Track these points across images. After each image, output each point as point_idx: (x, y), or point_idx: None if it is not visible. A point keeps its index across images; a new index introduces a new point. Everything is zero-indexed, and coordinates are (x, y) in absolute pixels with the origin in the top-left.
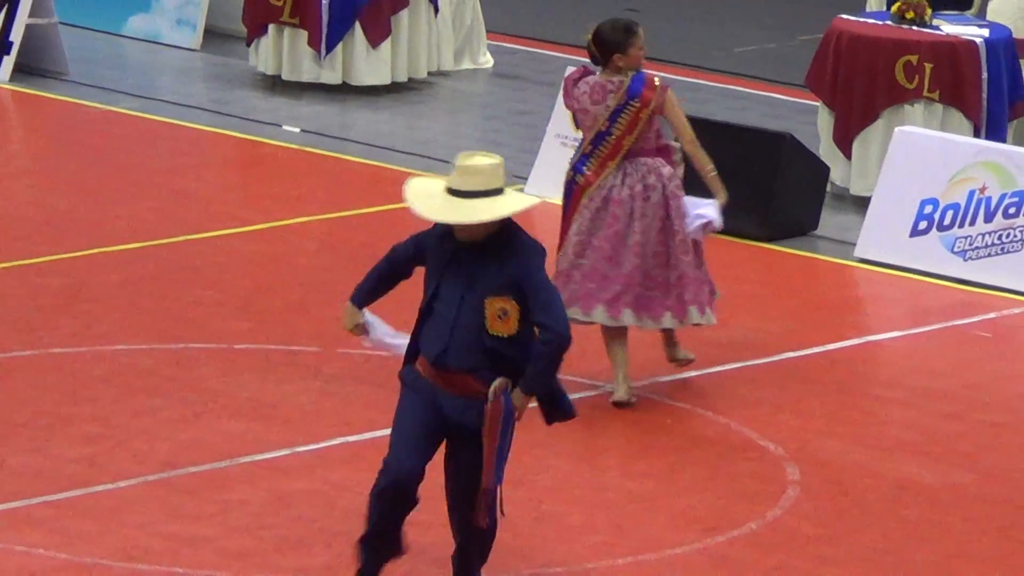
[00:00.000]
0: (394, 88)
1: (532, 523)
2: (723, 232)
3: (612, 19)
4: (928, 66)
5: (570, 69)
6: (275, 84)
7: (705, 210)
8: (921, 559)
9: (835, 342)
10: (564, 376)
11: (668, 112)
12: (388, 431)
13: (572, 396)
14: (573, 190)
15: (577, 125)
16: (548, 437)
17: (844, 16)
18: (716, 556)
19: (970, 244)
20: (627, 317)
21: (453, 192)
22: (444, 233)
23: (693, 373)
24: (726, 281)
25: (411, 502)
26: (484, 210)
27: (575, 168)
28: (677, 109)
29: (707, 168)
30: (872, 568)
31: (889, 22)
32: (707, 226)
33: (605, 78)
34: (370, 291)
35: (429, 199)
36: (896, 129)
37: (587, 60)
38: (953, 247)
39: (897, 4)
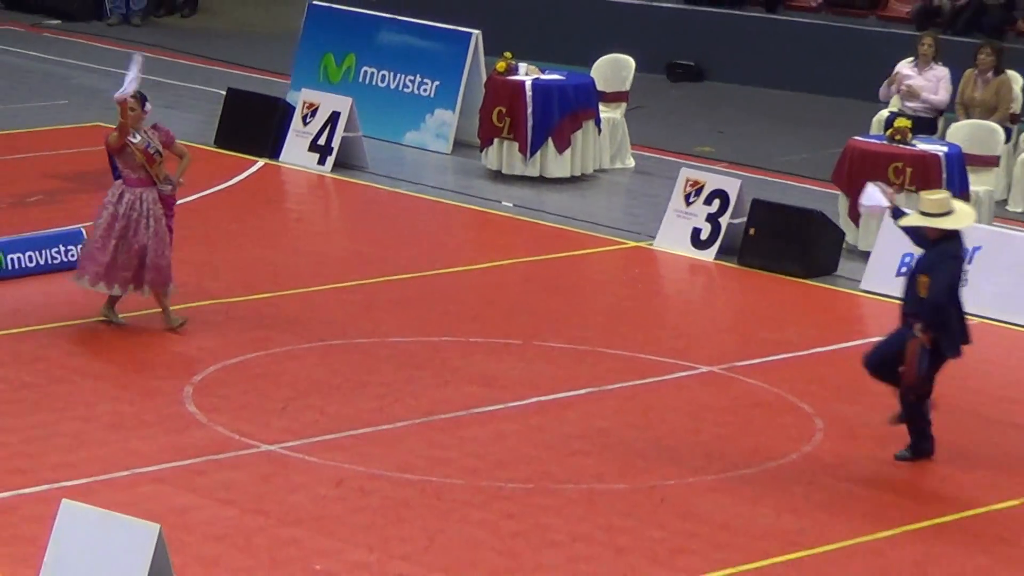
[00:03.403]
0: (572, 179)
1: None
2: (778, 271)
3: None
4: (909, 170)
5: (684, 170)
6: (497, 176)
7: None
8: (905, 474)
9: (847, 341)
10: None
11: None
12: (546, 397)
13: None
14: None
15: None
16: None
17: (856, 137)
18: (771, 476)
19: None
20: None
21: (934, 215)
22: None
23: (756, 360)
24: (779, 302)
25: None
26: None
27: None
28: None
29: None
30: (866, 478)
31: (884, 141)
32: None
33: None
34: None
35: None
36: None
37: (699, 165)
38: None
39: (890, 131)
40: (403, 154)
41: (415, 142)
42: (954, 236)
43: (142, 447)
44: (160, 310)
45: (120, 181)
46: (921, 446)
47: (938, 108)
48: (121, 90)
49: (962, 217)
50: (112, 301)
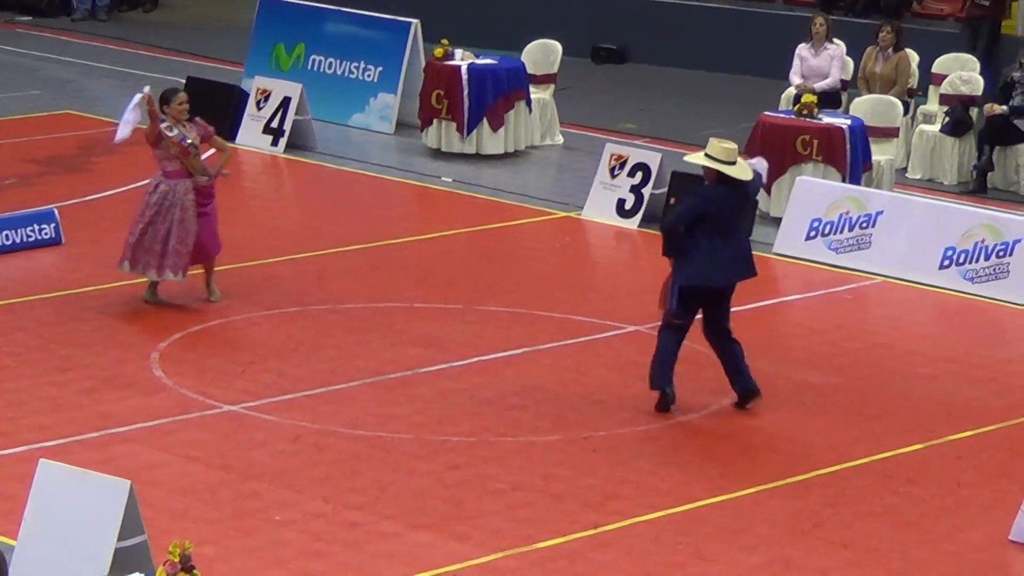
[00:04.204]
0: (506, 155)
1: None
2: None
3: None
4: (816, 141)
5: (609, 146)
6: (437, 154)
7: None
8: (818, 422)
9: (761, 301)
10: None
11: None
12: (485, 357)
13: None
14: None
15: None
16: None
17: (767, 112)
18: (694, 426)
19: (840, 244)
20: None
21: (717, 160)
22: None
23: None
24: None
25: None
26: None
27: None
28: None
29: None
30: (783, 426)
31: (792, 115)
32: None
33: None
34: None
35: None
36: (797, 178)
37: (622, 140)
38: (830, 246)
39: (797, 106)
40: (350, 135)
41: (360, 124)
42: (730, 183)
43: (113, 409)
44: (144, 281)
45: (159, 173)
46: (656, 374)
47: (832, 86)
48: (118, 135)
49: (740, 170)
50: (154, 285)
